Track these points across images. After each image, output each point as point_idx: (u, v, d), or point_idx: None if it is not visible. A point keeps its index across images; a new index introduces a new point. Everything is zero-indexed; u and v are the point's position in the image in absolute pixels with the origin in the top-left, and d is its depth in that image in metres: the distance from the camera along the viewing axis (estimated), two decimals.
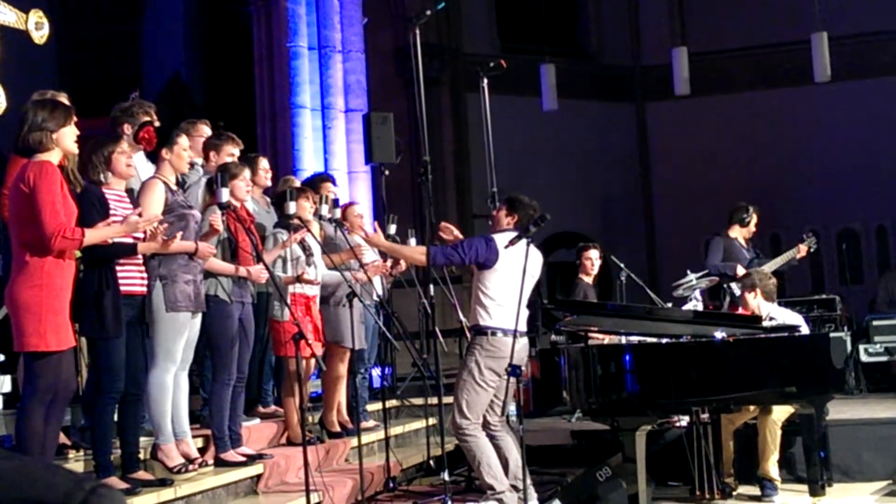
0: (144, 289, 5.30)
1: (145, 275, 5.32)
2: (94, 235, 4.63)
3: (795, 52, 15.19)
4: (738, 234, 9.03)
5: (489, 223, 6.41)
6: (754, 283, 7.08)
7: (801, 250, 9.02)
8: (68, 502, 2.61)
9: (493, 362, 5.91)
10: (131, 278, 5.18)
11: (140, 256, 5.25)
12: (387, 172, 9.71)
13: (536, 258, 5.94)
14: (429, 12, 6.91)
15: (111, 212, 4.96)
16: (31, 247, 4.49)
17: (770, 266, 8.62)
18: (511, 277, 5.91)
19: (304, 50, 11.65)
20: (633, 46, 17.80)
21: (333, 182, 7.94)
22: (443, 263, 6.17)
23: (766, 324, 6.78)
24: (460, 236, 6.37)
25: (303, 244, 6.71)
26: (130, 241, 5.07)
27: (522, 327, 5.98)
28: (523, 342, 6.00)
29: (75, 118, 4.79)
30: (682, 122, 16.88)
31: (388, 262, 7.47)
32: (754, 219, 9.06)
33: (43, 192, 4.45)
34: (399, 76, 14.69)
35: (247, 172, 6.21)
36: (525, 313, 6.03)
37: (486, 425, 6.10)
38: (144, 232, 5.07)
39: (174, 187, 5.68)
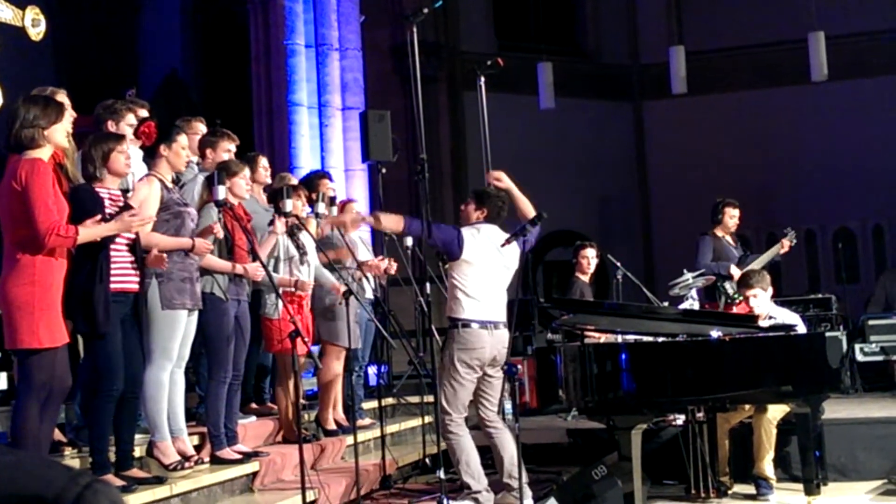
0: (137, 286, 5.25)
1: (138, 272, 5.27)
2: (87, 233, 4.62)
3: (793, 51, 15.17)
4: (722, 231, 8.92)
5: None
6: (765, 281, 7.01)
7: (784, 245, 9.01)
8: (64, 497, 2.60)
9: (464, 354, 5.92)
10: (124, 275, 5.13)
11: (131, 254, 5.21)
12: (384, 170, 9.71)
13: (513, 250, 5.94)
14: (426, 10, 6.88)
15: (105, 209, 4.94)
16: (23, 244, 4.48)
17: (757, 263, 8.60)
18: (486, 270, 5.94)
19: (301, 48, 11.64)
20: (631, 45, 17.77)
21: (330, 179, 7.93)
22: (415, 232, 6.20)
23: (764, 323, 6.78)
24: (511, 185, 6.27)
25: (297, 243, 6.70)
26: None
27: (500, 318, 5.98)
28: (499, 333, 6.00)
29: (73, 114, 4.77)
30: (680, 120, 16.85)
31: (384, 263, 7.45)
32: (728, 212, 8.88)
33: (35, 189, 4.44)
34: (396, 74, 14.65)
35: (246, 171, 6.21)
36: (503, 302, 6.03)
37: (483, 422, 6.11)
38: (136, 234, 5.07)
39: (170, 185, 5.67)
